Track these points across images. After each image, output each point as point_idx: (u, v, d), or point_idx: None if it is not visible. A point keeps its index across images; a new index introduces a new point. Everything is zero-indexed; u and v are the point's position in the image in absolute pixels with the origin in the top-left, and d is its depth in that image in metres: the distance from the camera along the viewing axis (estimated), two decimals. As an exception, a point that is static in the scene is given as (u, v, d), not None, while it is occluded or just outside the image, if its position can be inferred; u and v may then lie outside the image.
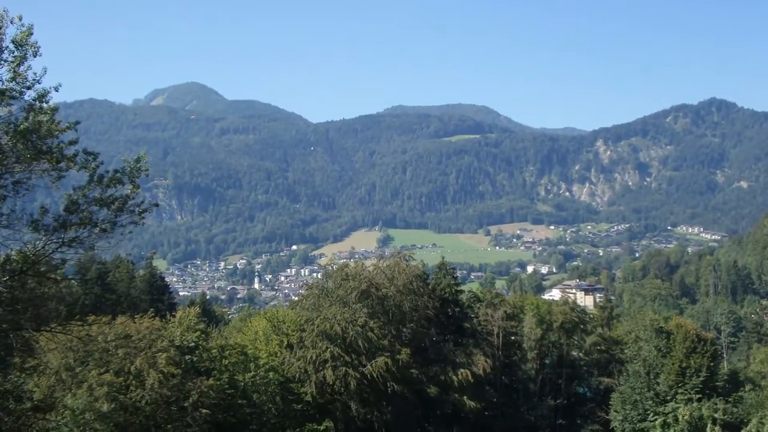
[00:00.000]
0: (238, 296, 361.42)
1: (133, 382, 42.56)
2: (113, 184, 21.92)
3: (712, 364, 68.50)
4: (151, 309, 53.57)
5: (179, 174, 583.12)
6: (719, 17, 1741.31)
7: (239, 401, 49.32)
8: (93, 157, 21.71)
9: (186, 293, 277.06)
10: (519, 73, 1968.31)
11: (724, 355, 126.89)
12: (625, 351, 78.88)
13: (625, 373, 71.90)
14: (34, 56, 20.03)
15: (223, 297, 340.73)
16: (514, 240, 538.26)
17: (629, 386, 68.06)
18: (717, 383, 68.45)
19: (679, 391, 63.90)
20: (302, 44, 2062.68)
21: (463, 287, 76.68)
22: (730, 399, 65.38)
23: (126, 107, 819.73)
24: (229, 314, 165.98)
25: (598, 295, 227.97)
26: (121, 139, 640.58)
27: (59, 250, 21.99)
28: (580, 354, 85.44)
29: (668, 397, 64.34)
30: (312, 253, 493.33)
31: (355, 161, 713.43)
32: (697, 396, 62.47)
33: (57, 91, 20.62)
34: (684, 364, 65.75)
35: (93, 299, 74.49)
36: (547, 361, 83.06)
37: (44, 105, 20.56)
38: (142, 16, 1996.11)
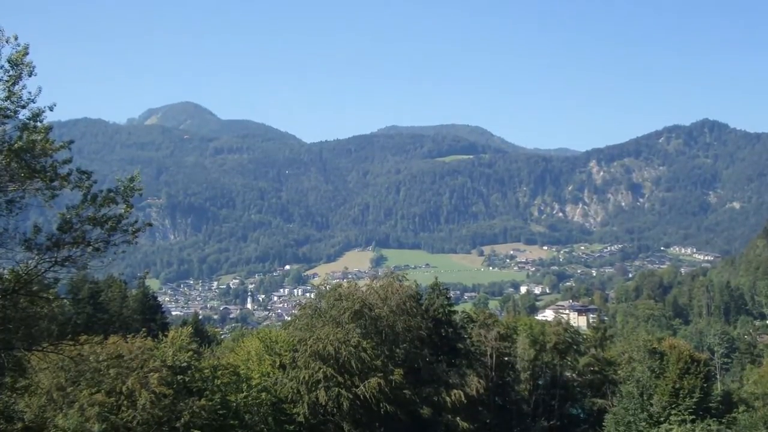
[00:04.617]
0: (231, 316, 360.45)
1: (125, 402, 42.39)
2: (107, 203, 21.92)
3: (705, 385, 68.38)
4: (144, 329, 53.44)
5: (173, 193, 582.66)
6: (712, 38, 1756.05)
7: (231, 422, 49.13)
8: (87, 176, 21.72)
9: (179, 313, 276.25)
10: (512, 94, 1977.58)
11: (718, 376, 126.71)
12: (619, 372, 78.80)
13: (618, 394, 71.79)
14: (29, 76, 20.09)
15: (215, 317, 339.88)
16: (508, 260, 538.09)
17: (623, 407, 67.90)
18: (711, 404, 68.27)
19: (673, 412, 63.77)
20: (296, 64, 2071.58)
21: (456, 308, 76.54)
22: (723, 420, 65.26)
23: (120, 126, 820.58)
24: (222, 334, 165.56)
25: (592, 315, 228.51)
26: (114, 159, 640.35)
27: (52, 269, 21.95)
28: (574, 375, 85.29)
29: (662, 419, 64.19)
30: (305, 273, 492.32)
31: (348, 181, 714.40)
32: (691, 417, 62.33)
33: (51, 110, 20.69)
34: (677, 385, 65.65)
35: (85, 319, 74.19)
36: (540, 382, 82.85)
37: (38, 124, 20.59)
38: (137, 36, 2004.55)
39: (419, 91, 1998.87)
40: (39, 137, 20.66)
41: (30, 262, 21.73)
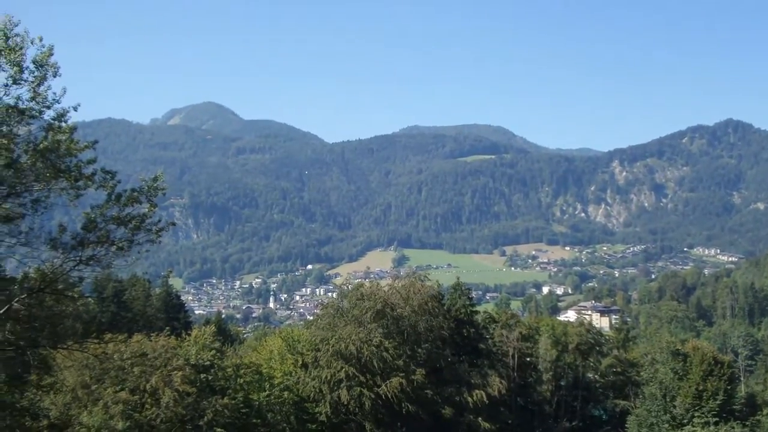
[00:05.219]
0: (254, 315, 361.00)
1: (149, 400, 42.59)
2: (131, 203, 22.02)
3: (729, 387, 67.80)
4: (167, 327, 53.73)
5: (195, 193, 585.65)
6: (736, 38, 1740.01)
7: (254, 421, 49.25)
8: (111, 176, 21.83)
9: (201, 312, 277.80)
10: (534, 94, 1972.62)
11: (742, 378, 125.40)
12: (641, 373, 78.27)
13: (641, 396, 71.31)
14: (54, 76, 20.20)
15: (238, 316, 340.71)
16: (530, 261, 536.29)
17: (645, 409, 67.47)
18: (734, 407, 67.69)
19: (696, 414, 63.29)
20: (319, 64, 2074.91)
21: (478, 308, 76.33)
22: (747, 423, 64.74)
23: (143, 126, 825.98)
24: (245, 333, 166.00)
25: (614, 316, 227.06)
26: (138, 159, 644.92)
27: (77, 268, 22.07)
28: (596, 376, 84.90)
29: (685, 421, 63.73)
30: (327, 273, 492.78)
31: (370, 181, 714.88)
32: (714, 419, 61.84)
33: (76, 110, 20.79)
34: (701, 387, 65.15)
35: (109, 317, 74.75)
36: (562, 383, 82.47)
37: (63, 124, 20.71)
38: (160, 36, 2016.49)
39: (441, 91, 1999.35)
40: (64, 137, 20.78)
41: (55, 261, 21.87)
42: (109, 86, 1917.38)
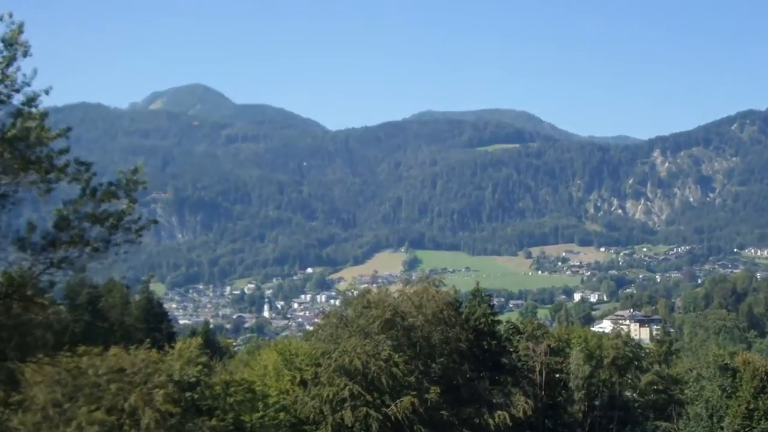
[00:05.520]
0: (246, 325, 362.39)
1: (127, 421, 42.79)
2: (107, 198, 22.03)
3: (784, 406, 67.82)
4: (148, 339, 53.88)
5: (180, 187, 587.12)
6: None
7: (246, 444, 49.46)
8: (86, 167, 21.84)
9: (187, 321, 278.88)
10: (564, 74, 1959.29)
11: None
12: (686, 391, 78.36)
13: (685, 417, 71.39)
14: (24, 56, 20.27)
15: (228, 326, 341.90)
16: (559, 263, 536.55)
17: (690, 431, 67.49)
18: (790, 428, 67.72)
19: (747, 437, 63.34)
20: (319, 43, 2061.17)
21: (500, 317, 76.64)
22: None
23: (121, 112, 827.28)
24: (236, 346, 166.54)
25: (655, 327, 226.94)
26: (116, 148, 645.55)
27: (47, 271, 22.13)
28: (634, 394, 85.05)
29: (734, 444, 63.79)
30: (329, 277, 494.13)
31: (378, 173, 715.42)
32: (768, 442, 61.90)
33: (47, 94, 20.81)
34: (752, 406, 65.19)
35: (83, 327, 74.96)
36: (596, 403, 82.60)
37: (33, 110, 20.75)
38: (139, 12, 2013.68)
39: (457, 72, 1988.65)
40: (34, 124, 20.82)
41: (23, 263, 21.94)
42: (83, 67, 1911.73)
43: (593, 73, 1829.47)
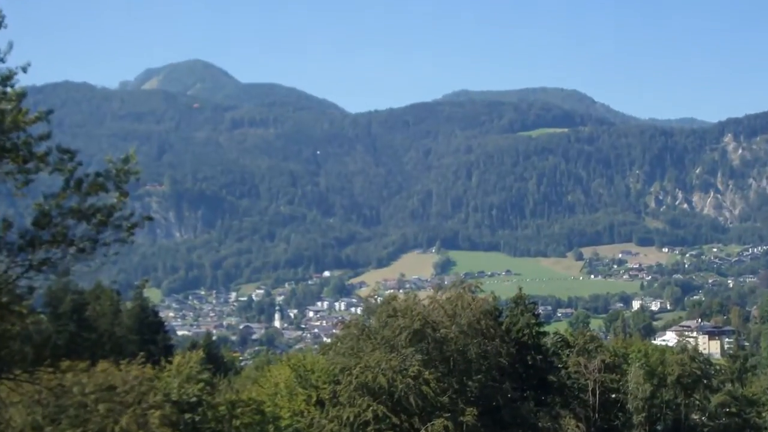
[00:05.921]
0: (254, 337, 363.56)
1: (118, 446, 42.94)
2: (95, 191, 22.05)
3: None
4: (142, 353, 54.04)
5: (178, 178, 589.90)
6: None
7: (254, 474, 49.58)
8: (70, 155, 21.85)
9: (186, 332, 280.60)
10: (619, 48, 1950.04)
11: None
12: (763, 414, 77.97)
13: (762, 444, 70.92)
14: (-1, 28, 20.32)
15: (234, 338, 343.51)
16: (615, 266, 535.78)
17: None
18: None
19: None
20: (336, 12, 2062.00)
21: (547, 328, 76.41)
22: None
23: (110, 92, 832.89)
24: (242, 360, 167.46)
25: (727, 339, 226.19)
26: (104, 133, 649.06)
27: (26, 275, 22.15)
28: (703, 418, 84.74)
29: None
30: (349, 282, 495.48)
31: (405, 163, 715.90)
32: None
33: (25, 72, 20.85)
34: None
35: (67, 339, 75.30)
36: (658, 427, 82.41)
37: (9, 89, 20.77)
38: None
39: (497, 47, 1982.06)
40: (10, 106, 20.85)
41: (-1, 265, 22.00)
42: (66, 41, 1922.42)
43: (654, 45, 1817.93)
